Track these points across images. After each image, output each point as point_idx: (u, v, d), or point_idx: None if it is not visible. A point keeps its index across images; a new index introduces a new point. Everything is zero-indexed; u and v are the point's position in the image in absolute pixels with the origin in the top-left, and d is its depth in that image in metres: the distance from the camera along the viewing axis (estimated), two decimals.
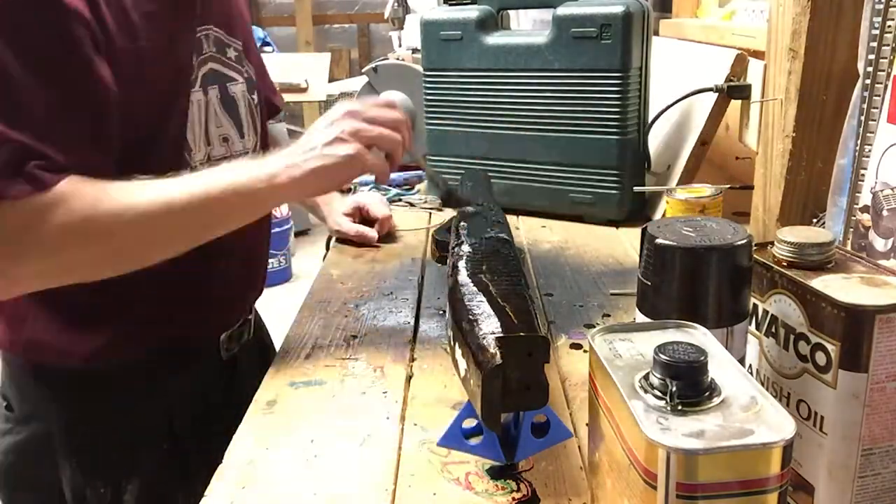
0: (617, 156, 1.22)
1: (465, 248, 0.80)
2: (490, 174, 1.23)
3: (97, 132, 0.74)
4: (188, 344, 0.93)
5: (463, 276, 0.73)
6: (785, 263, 0.56)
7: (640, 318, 0.58)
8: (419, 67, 1.43)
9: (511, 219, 1.17)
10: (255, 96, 1.00)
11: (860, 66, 0.89)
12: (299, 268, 3.80)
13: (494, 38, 1.28)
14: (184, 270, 0.79)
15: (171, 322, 0.89)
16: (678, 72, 1.35)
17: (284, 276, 3.68)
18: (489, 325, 0.61)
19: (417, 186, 1.51)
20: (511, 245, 0.85)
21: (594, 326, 0.90)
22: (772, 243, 0.58)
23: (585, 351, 0.83)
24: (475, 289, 0.69)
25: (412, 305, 0.98)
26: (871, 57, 0.87)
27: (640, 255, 0.58)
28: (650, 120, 1.24)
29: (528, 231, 1.27)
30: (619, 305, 0.95)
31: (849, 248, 0.87)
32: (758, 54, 1.16)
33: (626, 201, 1.25)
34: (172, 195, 0.74)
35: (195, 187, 0.75)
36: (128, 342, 0.87)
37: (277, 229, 3.58)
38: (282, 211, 3.56)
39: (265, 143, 1.04)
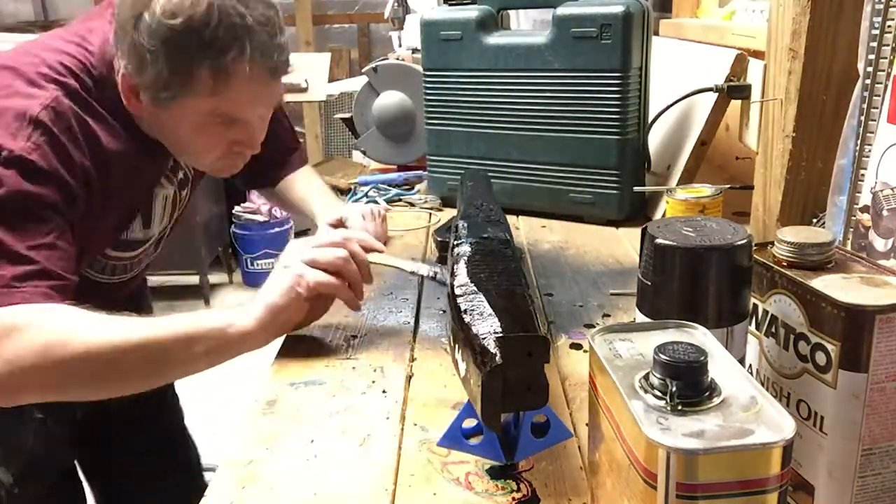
0: (617, 156, 1.22)
1: (465, 248, 0.80)
2: (490, 174, 1.23)
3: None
4: None
5: (463, 277, 0.73)
6: (785, 263, 0.56)
7: (640, 318, 0.58)
8: (419, 67, 1.43)
9: (511, 219, 1.17)
10: (184, 192, 1.10)
11: (860, 66, 0.89)
12: None
13: (494, 39, 1.28)
14: None
15: None
16: (678, 72, 1.35)
17: None
18: (489, 325, 0.61)
19: (417, 187, 1.51)
20: (511, 245, 0.85)
21: (594, 326, 0.90)
22: (772, 243, 0.58)
23: (585, 351, 0.83)
24: (475, 289, 0.69)
25: (412, 305, 0.98)
26: (871, 57, 0.87)
27: (640, 255, 0.58)
28: (650, 120, 1.24)
29: (528, 231, 1.27)
30: (619, 305, 0.95)
31: (849, 248, 0.87)
32: (758, 54, 1.16)
33: (626, 201, 1.25)
34: (129, 338, 0.75)
35: (146, 331, 0.76)
36: None
37: (277, 229, 3.58)
38: (281, 211, 3.56)
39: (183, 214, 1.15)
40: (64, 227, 0.80)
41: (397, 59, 1.71)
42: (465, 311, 0.66)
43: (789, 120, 1.02)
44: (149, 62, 0.82)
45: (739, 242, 0.53)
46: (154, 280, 2.61)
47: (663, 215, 1.17)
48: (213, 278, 3.59)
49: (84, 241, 0.86)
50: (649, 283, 0.56)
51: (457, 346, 0.66)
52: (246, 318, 0.77)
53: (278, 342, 0.89)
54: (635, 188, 1.22)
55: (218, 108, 0.87)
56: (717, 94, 1.18)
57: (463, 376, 0.64)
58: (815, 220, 1.04)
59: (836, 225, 0.93)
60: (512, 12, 1.82)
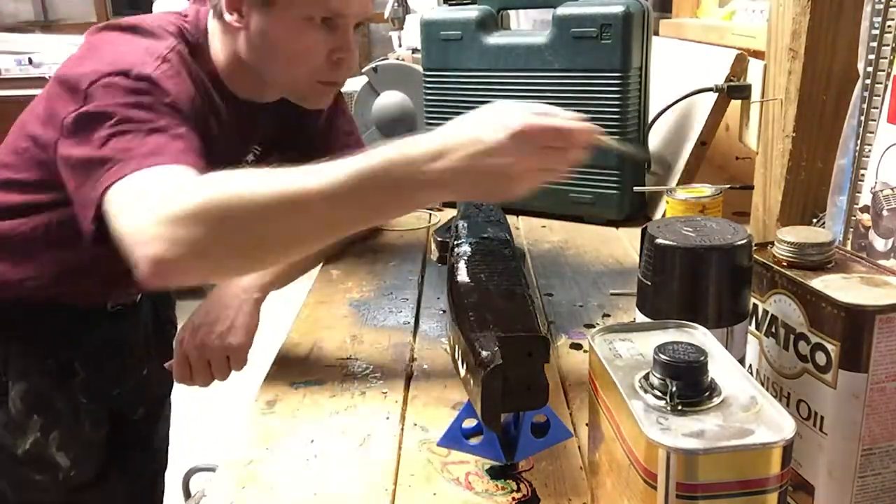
0: (617, 156, 1.22)
1: (465, 248, 0.80)
2: None
3: None
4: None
5: (463, 276, 0.73)
6: (785, 263, 0.56)
7: (640, 318, 0.58)
8: (419, 67, 1.43)
9: (511, 219, 1.17)
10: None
11: (860, 66, 0.89)
12: None
13: (494, 38, 1.28)
14: None
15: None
16: (678, 72, 1.35)
17: None
18: (489, 325, 0.61)
19: None
20: (511, 245, 0.85)
21: (594, 326, 0.90)
22: (772, 243, 0.58)
23: (585, 351, 0.83)
24: (475, 288, 0.69)
25: (412, 305, 0.98)
26: (871, 57, 0.87)
27: (640, 255, 0.58)
28: (650, 120, 1.24)
29: (528, 231, 1.27)
30: (619, 305, 0.95)
31: (849, 248, 0.87)
32: (758, 54, 1.16)
33: (625, 201, 1.25)
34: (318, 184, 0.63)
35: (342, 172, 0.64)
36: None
37: None
38: None
39: None
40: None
41: (397, 59, 1.71)
42: (466, 310, 0.66)
43: (789, 120, 1.02)
44: None
45: (739, 242, 0.53)
46: None
47: (663, 215, 1.17)
48: None
49: None
50: (649, 283, 0.56)
51: (457, 346, 0.66)
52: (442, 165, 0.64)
53: (278, 341, 0.89)
54: (635, 188, 1.22)
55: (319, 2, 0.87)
56: (717, 94, 1.18)
57: (463, 376, 0.64)
58: (815, 220, 1.04)
59: (837, 225, 0.93)
60: (512, 12, 1.82)
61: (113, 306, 1.11)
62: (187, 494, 1.79)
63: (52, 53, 3.48)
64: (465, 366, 0.63)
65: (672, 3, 1.90)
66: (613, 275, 1.05)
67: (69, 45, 3.91)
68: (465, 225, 0.89)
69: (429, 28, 1.34)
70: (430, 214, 1.37)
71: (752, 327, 0.59)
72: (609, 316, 0.93)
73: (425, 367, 0.82)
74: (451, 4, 1.35)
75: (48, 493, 1.04)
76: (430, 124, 1.39)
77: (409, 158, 0.64)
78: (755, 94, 1.15)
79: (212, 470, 1.61)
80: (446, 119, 1.34)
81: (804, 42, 0.98)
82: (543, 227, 1.28)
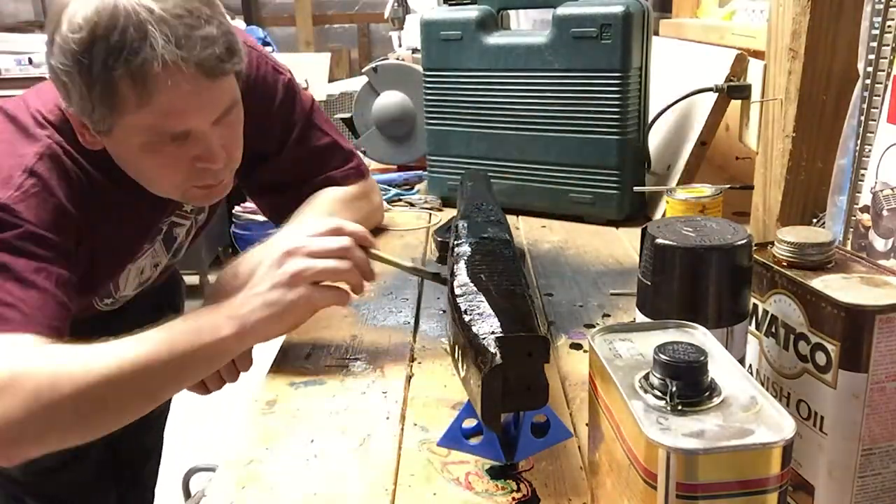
0: (617, 156, 1.22)
1: (465, 248, 0.80)
2: (490, 174, 1.23)
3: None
4: None
5: (463, 277, 0.73)
6: (785, 263, 0.56)
7: (640, 318, 0.58)
8: (419, 67, 1.43)
9: (511, 219, 1.17)
10: (201, 216, 1.08)
11: (860, 66, 0.89)
12: None
13: (494, 38, 1.28)
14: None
15: None
16: (678, 72, 1.35)
17: None
18: (489, 325, 0.61)
19: (417, 187, 1.51)
20: (511, 245, 0.85)
21: (594, 326, 0.90)
22: (772, 243, 0.58)
23: (585, 351, 0.83)
24: (475, 289, 0.69)
25: (412, 305, 0.98)
26: (872, 57, 0.87)
27: (640, 255, 0.58)
28: (650, 120, 1.24)
29: (528, 231, 1.27)
30: (619, 305, 0.95)
31: (849, 248, 0.87)
32: (758, 54, 1.16)
33: (625, 201, 1.25)
34: (110, 367, 0.70)
35: (133, 354, 0.71)
36: None
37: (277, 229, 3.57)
38: None
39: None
40: (56, 268, 0.77)
41: (397, 59, 1.71)
42: (465, 311, 0.66)
43: (789, 120, 1.02)
44: (70, 86, 0.75)
45: (739, 242, 0.53)
46: None
47: (663, 215, 1.17)
48: (214, 278, 3.58)
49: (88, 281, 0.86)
50: (649, 283, 0.56)
51: (457, 346, 0.66)
52: (241, 324, 0.73)
53: (278, 341, 0.89)
54: (635, 188, 1.22)
55: (156, 123, 0.77)
56: (717, 94, 1.18)
57: (463, 376, 0.64)
58: (815, 220, 1.04)
59: (837, 225, 0.93)
60: (512, 12, 1.82)
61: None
62: (187, 494, 1.79)
63: None
64: (465, 366, 0.63)
65: (672, 3, 1.89)
66: (613, 275, 1.05)
67: None
68: (466, 225, 0.89)
69: (429, 28, 1.34)
70: (430, 214, 1.37)
71: (752, 327, 0.59)
72: (609, 316, 0.93)
73: (425, 367, 0.82)
74: (451, 4, 1.35)
75: None
76: (431, 124, 1.39)
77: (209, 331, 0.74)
78: (755, 94, 1.15)
79: (212, 470, 1.61)
80: (446, 119, 1.36)
81: (804, 42, 0.98)
82: (543, 227, 1.28)
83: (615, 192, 1.24)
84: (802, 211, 1.05)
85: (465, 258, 0.77)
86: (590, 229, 1.25)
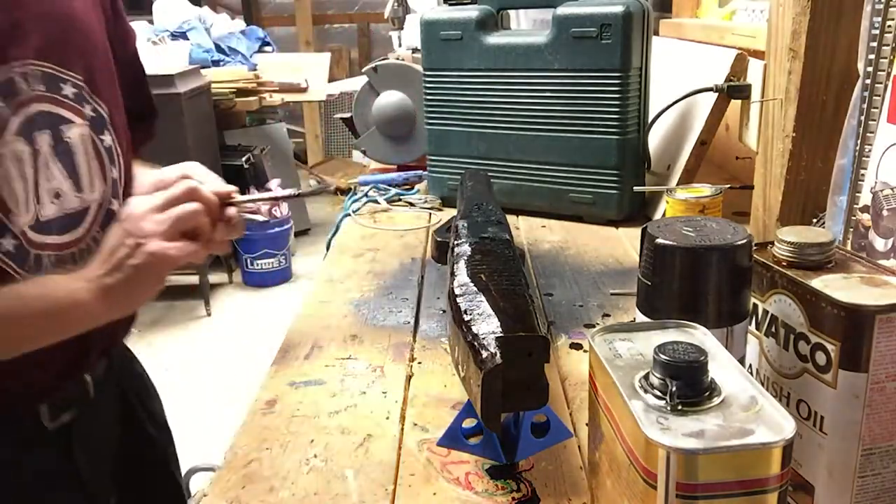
0: (617, 156, 1.22)
1: (465, 247, 0.80)
2: (490, 174, 1.23)
3: None
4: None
5: (463, 277, 0.73)
6: (785, 263, 0.56)
7: (641, 318, 0.58)
8: (419, 67, 1.43)
9: (511, 219, 1.17)
10: (105, 136, 0.83)
11: (860, 65, 0.89)
12: (299, 267, 3.80)
13: (494, 38, 1.28)
14: None
15: None
16: (678, 72, 1.35)
17: (285, 275, 3.68)
18: (489, 325, 0.61)
19: (417, 186, 1.51)
20: (511, 245, 0.85)
21: (594, 326, 0.90)
22: (772, 243, 0.58)
23: (585, 351, 0.83)
24: (475, 289, 0.69)
25: (412, 305, 0.98)
26: (872, 57, 0.87)
27: (640, 255, 0.58)
28: (650, 120, 1.24)
29: (528, 231, 1.27)
30: (619, 305, 0.95)
31: (849, 248, 0.87)
32: (758, 54, 1.16)
33: (625, 201, 1.25)
34: None
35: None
36: None
37: (278, 229, 3.58)
38: (282, 210, 3.56)
39: (128, 186, 0.88)
40: None
41: (397, 58, 1.71)
42: (465, 310, 0.66)
43: (789, 120, 1.02)
44: None
45: (739, 242, 0.53)
46: None
47: (663, 215, 1.17)
48: (214, 278, 3.59)
49: None
50: (649, 283, 0.56)
51: (457, 346, 0.66)
52: (99, 287, 0.72)
53: (277, 340, 0.89)
54: (635, 188, 1.22)
55: None
56: (717, 94, 1.18)
57: (463, 376, 0.64)
58: (815, 220, 1.04)
59: (836, 224, 0.93)
60: (512, 12, 1.82)
61: (54, 417, 0.81)
62: (188, 494, 1.79)
63: None
64: (465, 366, 0.63)
65: (672, 3, 1.89)
66: (613, 274, 1.06)
67: None
68: (466, 225, 0.89)
69: (429, 28, 1.34)
70: (430, 214, 1.37)
71: (753, 327, 0.59)
72: (609, 316, 0.93)
73: (425, 366, 0.82)
74: (451, 4, 1.35)
75: None
76: (431, 124, 1.39)
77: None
78: (755, 94, 1.15)
79: (212, 470, 1.61)
80: (446, 119, 1.36)
81: (804, 42, 0.98)
82: (543, 227, 1.28)
83: (615, 191, 1.24)
84: (802, 210, 1.05)
85: (465, 258, 0.77)
86: (590, 229, 1.25)
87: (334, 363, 0.83)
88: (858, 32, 0.97)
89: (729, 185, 1.11)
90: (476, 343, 0.59)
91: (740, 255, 0.54)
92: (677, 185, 1.21)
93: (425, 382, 0.78)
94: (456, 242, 0.83)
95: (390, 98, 1.55)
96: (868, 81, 0.88)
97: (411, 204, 1.44)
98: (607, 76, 1.19)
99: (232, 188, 0.83)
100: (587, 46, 1.19)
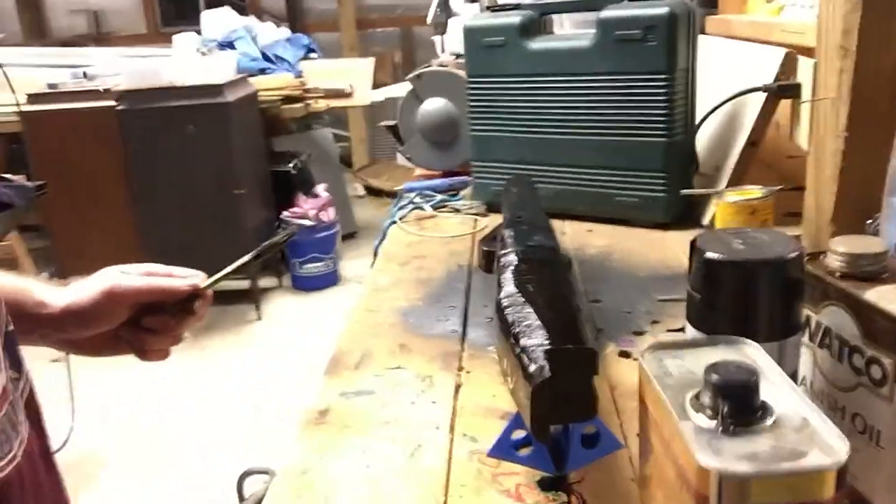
0: (663, 158, 1.20)
1: (511, 257, 0.81)
2: (535, 179, 1.23)
3: None
4: None
5: (510, 287, 0.74)
6: (838, 274, 0.55)
7: (691, 330, 0.58)
8: (462, 73, 1.44)
9: (556, 223, 1.17)
10: None
11: None
12: (347, 271, 3.84)
13: (537, 43, 1.28)
14: None
15: None
16: (726, 71, 1.33)
17: (333, 279, 3.73)
18: (537, 338, 0.62)
19: (462, 192, 1.52)
20: (557, 252, 0.85)
21: (643, 333, 0.89)
22: (824, 253, 0.58)
23: (635, 359, 0.83)
24: (522, 300, 0.70)
25: (459, 314, 0.98)
26: None
27: (689, 268, 0.57)
28: (698, 121, 1.23)
29: (574, 236, 1.26)
30: (667, 312, 0.94)
31: None
32: (807, 51, 1.14)
33: (673, 204, 1.23)
34: None
35: None
36: None
37: (325, 233, 3.62)
38: (329, 215, 3.61)
39: None
40: None
41: (440, 65, 1.71)
42: (513, 322, 0.66)
43: (842, 119, 1.00)
44: None
45: (791, 256, 0.53)
46: None
47: (713, 218, 1.15)
48: (263, 283, 3.65)
49: None
50: (699, 297, 0.56)
51: (504, 358, 0.67)
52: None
53: (328, 350, 0.90)
54: (682, 191, 1.21)
55: None
56: (766, 94, 1.16)
57: (512, 388, 0.64)
58: (869, 222, 1.02)
59: (892, 226, 0.91)
60: (555, 16, 1.81)
61: None
62: (241, 497, 1.83)
63: (106, 66, 3.58)
64: (513, 378, 0.63)
65: (718, 0, 1.86)
66: (662, 280, 1.05)
67: (121, 55, 4.02)
68: (512, 233, 0.89)
69: (471, 35, 1.34)
70: (476, 220, 1.38)
71: (806, 338, 0.59)
72: (658, 322, 0.92)
73: (474, 376, 0.82)
74: (493, 10, 1.35)
75: None
76: (475, 131, 1.40)
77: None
78: (805, 93, 1.13)
79: (265, 473, 1.64)
80: (490, 125, 1.36)
81: (856, 39, 0.96)
82: (589, 231, 1.28)
83: (662, 194, 1.22)
84: (856, 212, 1.03)
85: (512, 268, 0.77)
86: (636, 233, 1.24)
87: (383, 373, 0.84)
88: None
89: (780, 187, 1.09)
90: (524, 356, 0.59)
91: (792, 268, 0.53)
92: (727, 186, 1.19)
93: (474, 392, 0.79)
94: (502, 252, 0.83)
95: (434, 105, 1.56)
96: None
97: (456, 210, 1.45)
98: (652, 79, 1.18)
99: (198, 278, 0.75)
100: (632, 49, 1.18)
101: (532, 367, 0.58)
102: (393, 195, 1.62)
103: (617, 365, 0.83)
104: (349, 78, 3.90)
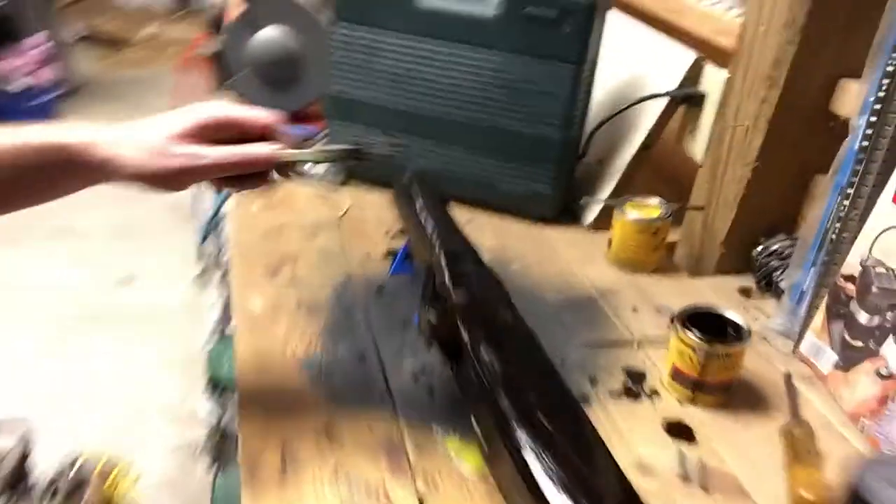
0: (559, 152, 1.11)
1: (491, 355, 0.67)
2: (408, 156, 1.07)
3: None
4: None
5: (508, 409, 0.61)
6: None
7: None
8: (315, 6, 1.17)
9: None
10: None
11: (860, 121, 0.85)
12: None
13: (430, 1, 1.08)
14: None
15: None
16: (628, 62, 1.22)
17: None
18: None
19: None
20: (524, 323, 0.73)
21: (587, 399, 0.80)
22: None
23: None
24: (540, 443, 0.58)
25: (376, 367, 0.82)
26: (874, 119, 0.84)
27: None
28: (597, 123, 1.14)
29: None
30: (599, 364, 0.85)
31: (823, 309, 0.88)
32: (716, 51, 1.08)
33: (558, 199, 1.16)
34: None
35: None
36: None
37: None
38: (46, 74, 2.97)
39: None
40: None
41: None
42: (534, 473, 0.55)
43: (753, 148, 0.99)
44: None
45: None
46: None
47: (595, 221, 1.10)
48: None
49: None
50: None
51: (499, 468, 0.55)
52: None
53: None
54: (581, 201, 1.13)
55: None
56: (668, 99, 1.11)
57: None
58: (758, 251, 1.04)
59: (804, 274, 0.93)
60: None
61: None
62: None
63: None
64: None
65: None
66: (571, 306, 0.97)
67: None
68: (468, 316, 0.74)
69: None
70: (334, 195, 1.17)
71: None
72: (597, 383, 0.83)
73: (436, 484, 0.69)
74: None
75: None
76: (337, 85, 1.16)
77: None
78: (709, 105, 1.09)
79: None
80: (358, 83, 1.13)
81: (786, 72, 0.93)
82: (469, 221, 1.15)
83: (551, 189, 1.14)
84: (747, 237, 1.05)
85: (501, 377, 0.64)
86: (520, 229, 1.15)
87: (322, 487, 0.67)
88: (841, 71, 0.93)
89: (680, 205, 1.06)
90: None
91: None
92: (616, 187, 1.14)
93: None
94: (470, 340, 0.69)
95: (270, 35, 1.28)
96: (866, 144, 0.85)
97: (300, 174, 1.23)
98: (560, 67, 1.05)
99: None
100: (542, 30, 1.04)
101: None
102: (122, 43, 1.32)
103: None
104: None
